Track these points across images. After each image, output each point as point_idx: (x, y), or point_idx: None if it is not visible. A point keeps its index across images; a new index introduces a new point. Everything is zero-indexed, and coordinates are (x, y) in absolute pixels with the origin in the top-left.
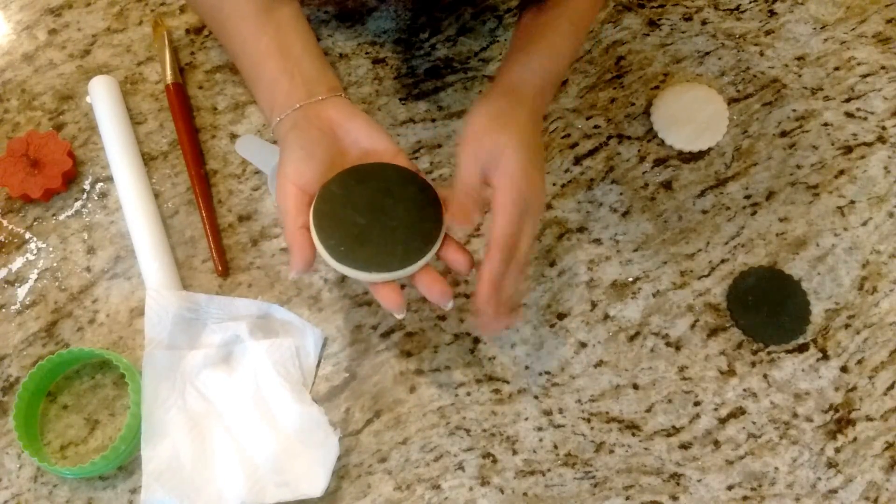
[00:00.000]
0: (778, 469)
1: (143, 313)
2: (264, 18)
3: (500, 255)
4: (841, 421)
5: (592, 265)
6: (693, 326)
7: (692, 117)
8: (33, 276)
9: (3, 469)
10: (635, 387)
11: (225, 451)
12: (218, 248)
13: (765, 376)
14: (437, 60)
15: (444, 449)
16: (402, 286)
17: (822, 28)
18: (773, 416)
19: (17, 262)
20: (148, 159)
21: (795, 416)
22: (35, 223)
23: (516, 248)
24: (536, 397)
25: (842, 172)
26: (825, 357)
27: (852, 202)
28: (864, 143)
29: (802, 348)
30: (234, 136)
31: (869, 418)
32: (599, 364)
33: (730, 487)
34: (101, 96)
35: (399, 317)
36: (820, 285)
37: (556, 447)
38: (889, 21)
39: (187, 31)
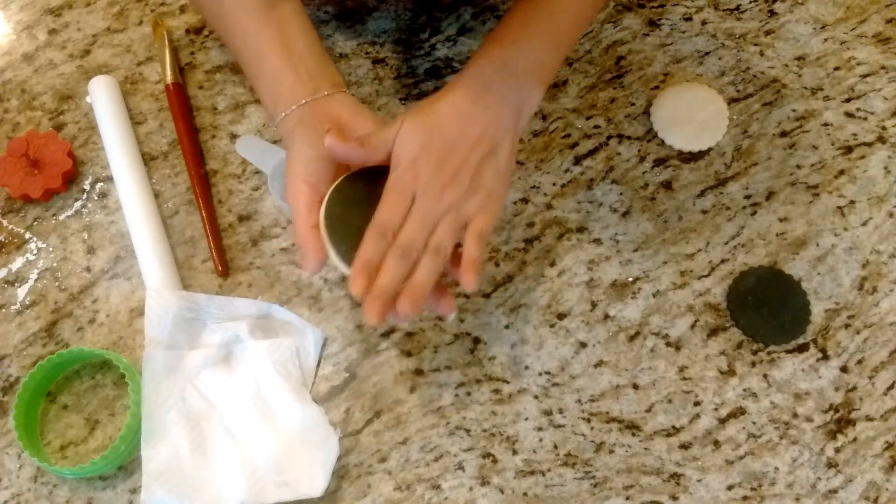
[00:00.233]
0: (778, 469)
1: (143, 313)
2: (266, 14)
3: (372, 237)
4: (841, 421)
5: (592, 265)
6: (693, 326)
7: (692, 117)
8: (33, 276)
9: (3, 469)
10: (635, 387)
11: (225, 451)
12: (218, 248)
13: (765, 376)
14: (437, 60)
15: (444, 449)
16: None
17: (822, 28)
18: (773, 416)
19: (17, 262)
20: (148, 159)
21: (795, 416)
22: (35, 223)
23: (394, 234)
24: (536, 397)
25: (842, 172)
26: (825, 357)
27: (852, 202)
28: (864, 143)
29: (802, 348)
30: (234, 136)
31: (869, 418)
32: (599, 364)
33: (730, 487)
34: (101, 96)
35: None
36: (820, 285)
37: (556, 447)
38: (889, 21)
39: (187, 31)
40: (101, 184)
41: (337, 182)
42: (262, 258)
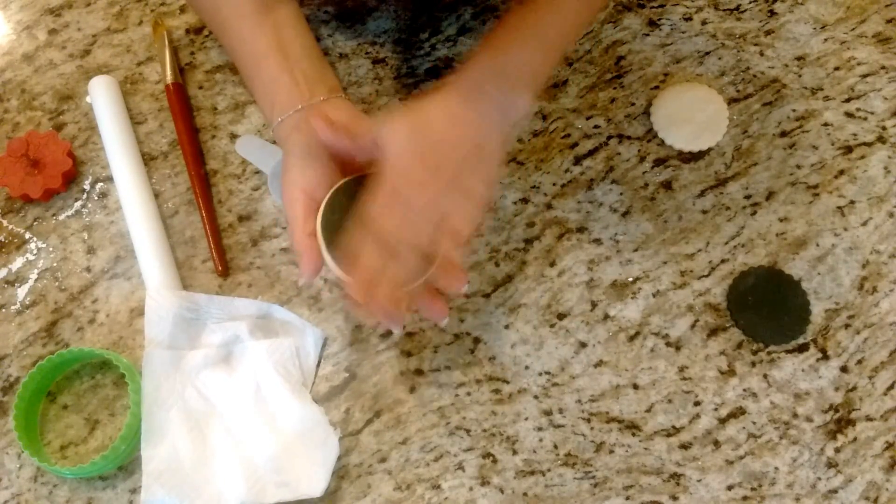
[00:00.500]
0: (778, 469)
1: (143, 313)
2: (263, 18)
3: (358, 230)
4: (841, 421)
5: (592, 265)
6: (693, 326)
7: (692, 117)
8: (33, 276)
9: (3, 469)
10: (635, 387)
11: (225, 451)
12: (218, 248)
13: (765, 376)
14: (437, 60)
15: (444, 449)
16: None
17: (822, 28)
18: (773, 416)
19: (17, 262)
20: (148, 159)
21: (795, 416)
22: (35, 223)
23: (374, 227)
24: (536, 397)
25: (842, 172)
26: (825, 357)
27: (852, 202)
28: (864, 143)
29: (802, 348)
30: (234, 136)
31: (869, 418)
32: (599, 364)
33: (730, 487)
34: (101, 96)
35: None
36: (820, 285)
37: (556, 447)
38: (889, 21)
39: (187, 31)
40: (101, 184)
41: (333, 189)
42: (262, 258)
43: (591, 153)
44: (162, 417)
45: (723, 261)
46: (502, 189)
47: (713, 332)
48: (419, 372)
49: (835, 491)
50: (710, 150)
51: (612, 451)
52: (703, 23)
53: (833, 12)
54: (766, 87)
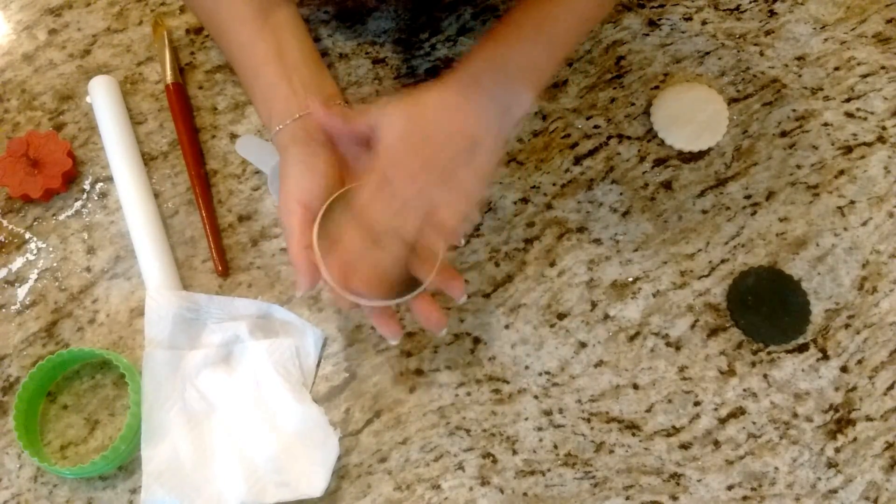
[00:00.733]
0: (778, 469)
1: (143, 313)
2: (261, 23)
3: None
4: (841, 421)
5: (592, 265)
6: (693, 326)
7: (692, 117)
8: (33, 276)
9: (3, 469)
10: (635, 387)
11: (225, 451)
12: (218, 248)
13: (765, 376)
14: (437, 60)
15: (444, 449)
16: (397, 310)
17: (822, 28)
18: (773, 416)
19: (17, 262)
20: (148, 159)
21: (795, 416)
22: (35, 223)
23: (360, 213)
24: (536, 397)
25: (842, 172)
26: (825, 357)
27: (852, 202)
28: (864, 143)
29: (802, 348)
30: (234, 136)
31: (869, 418)
32: (599, 364)
33: (730, 487)
34: (101, 96)
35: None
36: (820, 285)
37: (556, 447)
38: (889, 21)
39: (187, 31)
40: (101, 184)
41: (329, 200)
42: (262, 258)
43: (591, 153)
44: (162, 417)
45: (723, 261)
46: (502, 189)
47: (713, 332)
48: (419, 372)
49: (835, 491)
50: (710, 150)
51: (612, 451)
52: (703, 23)
53: (833, 12)
54: (766, 87)
